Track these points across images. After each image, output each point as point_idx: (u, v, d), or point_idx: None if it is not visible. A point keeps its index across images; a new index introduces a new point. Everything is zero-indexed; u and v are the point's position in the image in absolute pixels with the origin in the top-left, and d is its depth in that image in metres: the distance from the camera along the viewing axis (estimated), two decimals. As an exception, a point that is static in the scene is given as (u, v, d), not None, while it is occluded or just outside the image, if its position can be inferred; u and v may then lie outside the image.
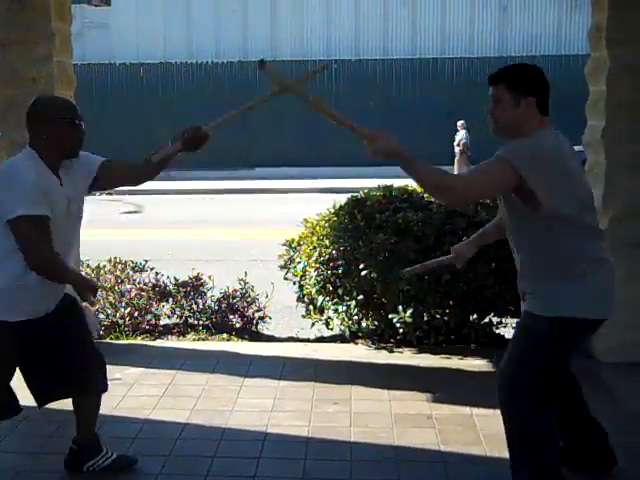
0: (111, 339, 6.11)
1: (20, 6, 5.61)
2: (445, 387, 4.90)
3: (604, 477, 3.68)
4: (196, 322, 6.48)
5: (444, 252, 5.36)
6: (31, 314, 3.42)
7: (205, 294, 6.56)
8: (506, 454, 3.36)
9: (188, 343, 6.11)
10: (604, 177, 5.32)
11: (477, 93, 25.45)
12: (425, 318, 5.57)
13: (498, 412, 3.35)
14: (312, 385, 5.00)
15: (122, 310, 6.37)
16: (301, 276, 6.08)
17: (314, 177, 22.31)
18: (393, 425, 4.36)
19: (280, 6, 27.43)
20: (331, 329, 6.10)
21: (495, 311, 5.65)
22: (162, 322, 6.51)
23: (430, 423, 4.39)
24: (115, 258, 6.69)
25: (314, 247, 5.92)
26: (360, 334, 5.95)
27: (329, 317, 5.99)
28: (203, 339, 6.21)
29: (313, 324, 6.12)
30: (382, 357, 5.58)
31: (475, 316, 5.66)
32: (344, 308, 5.80)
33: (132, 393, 4.90)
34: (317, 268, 5.83)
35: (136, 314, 6.37)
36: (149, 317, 6.42)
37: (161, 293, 6.51)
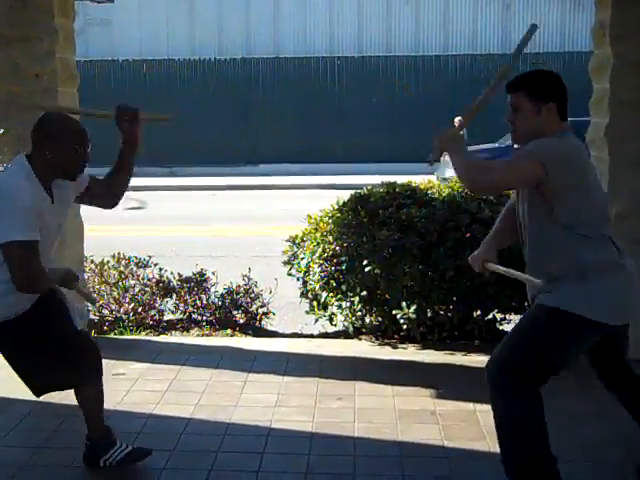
0: (115, 334, 6.12)
1: (23, 3, 5.61)
2: (449, 383, 4.91)
3: None
4: (200, 318, 6.49)
5: (447, 248, 5.38)
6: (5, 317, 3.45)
7: (209, 290, 6.57)
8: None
9: (192, 339, 6.12)
10: (608, 174, 5.31)
11: (480, 90, 25.42)
12: (429, 314, 5.57)
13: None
14: (316, 381, 5.01)
15: (126, 306, 6.38)
16: (305, 272, 6.08)
17: (317, 173, 22.28)
18: (397, 421, 4.37)
19: (283, 3, 27.40)
20: (335, 325, 6.10)
21: (498, 307, 5.65)
22: (166, 318, 6.52)
23: (434, 419, 4.40)
24: (119, 254, 6.70)
25: (318, 243, 5.92)
26: (364, 330, 5.95)
27: (333, 313, 6.00)
28: (207, 335, 6.22)
29: (317, 320, 6.12)
30: (386, 353, 5.58)
31: (479, 312, 5.66)
32: (348, 304, 5.81)
33: (136, 388, 4.91)
34: (321, 264, 5.83)
35: (140, 310, 6.38)
36: (153, 313, 6.43)
37: (165, 289, 6.52)
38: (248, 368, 5.25)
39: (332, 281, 5.81)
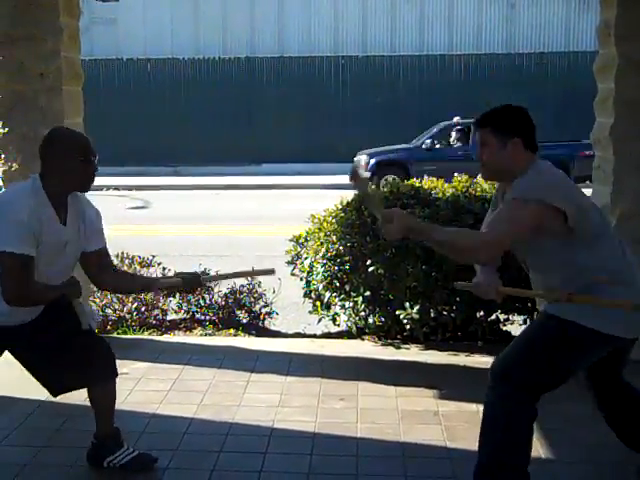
0: (118, 334, 6.12)
1: (28, 2, 5.62)
2: (452, 384, 4.90)
3: None
4: (203, 317, 6.49)
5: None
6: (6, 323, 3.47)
7: (212, 289, 6.56)
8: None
9: (195, 338, 6.12)
10: (612, 174, 5.31)
11: (484, 90, 25.52)
12: (432, 315, 5.56)
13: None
14: (319, 381, 5.01)
15: (129, 305, 6.38)
16: (308, 272, 6.08)
17: (321, 173, 22.29)
18: (399, 421, 4.37)
19: (287, 2, 27.41)
20: (338, 325, 6.10)
21: (502, 308, 5.63)
22: (169, 317, 6.52)
23: (436, 420, 4.39)
24: (122, 253, 6.69)
25: (321, 243, 5.92)
26: (367, 330, 5.95)
27: (336, 313, 6.00)
28: (210, 334, 6.22)
29: (320, 320, 6.12)
30: (389, 353, 5.58)
31: (482, 313, 5.65)
32: (351, 304, 5.80)
33: (139, 388, 4.91)
34: (324, 264, 5.83)
35: (143, 309, 6.38)
36: (156, 312, 6.43)
37: (168, 288, 6.51)
38: (251, 368, 5.25)
39: (335, 281, 5.81)
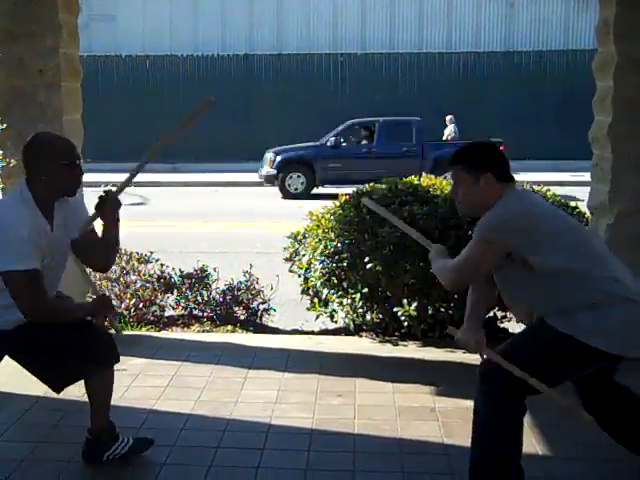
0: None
1: (27, -2, 5.62)
2: (449, 380, 4.91)
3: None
4: (201, 314, 6.49)
5: (449, 246, 5.35)
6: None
7: (210, 286, 6.57)
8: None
9: (193, 334, 6.12)
10: (610, 173, 5.31)
11: (483, 88, 25.54)
12: (430, 312, 5.57)
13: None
14: (316, 377, 5.02)
15: (127, 301, 6.38)
16: (306, 269, 6.09)
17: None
18: (397, 417, 4.37)
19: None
20: (336, 322, 6.11)
21: (499, 305, 5.63)
22: (167, 313, 6.52)
23: (434, 416, 4.40)
24: (120, 249, 6.70)
25: (319, 240, 5.92)
26: (365, 327, 5.96)
27: (334, 310, 6.00)
28: (208, 331, 6.22)
29: (318, 317, 6.12)
30: (386, 350, 5.59)
31: (479, 310, 5.65)
32: (349, 301, 5.81)
33: (137, 384, 4.91)
34: (322, 261, 5.84)
35: (141, 305, 6.39)
36: (154, 308, 6.44)
37: (166, 285, 6.52)
38: (248, 364, 5.26)
39: (333, 278, 5.82)
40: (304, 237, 6.24)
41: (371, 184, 6.05)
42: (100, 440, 3.78)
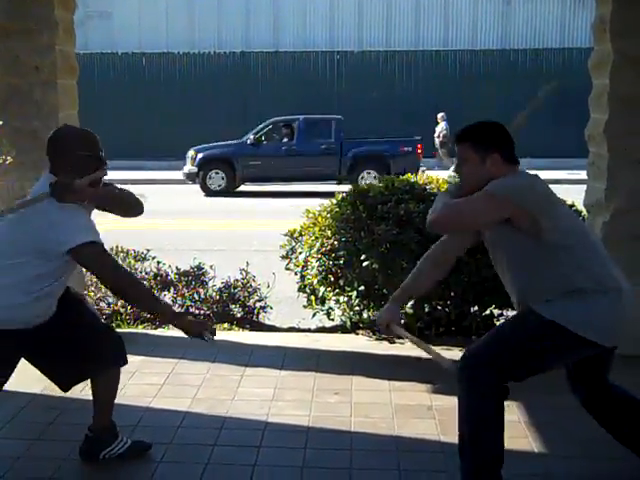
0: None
1: (23, -6, 5.61)
2: (445, 378, 4.88)
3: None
4: (197, 311, 6.48)
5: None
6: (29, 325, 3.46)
7: (206, 284, 6.56)
8: (505, 445, 3.36)
9: (189, 332, 6.10)
10: (606, 171, 5.31)
11: (479, 86, 25.53)
12: (426, 309, 5.57)
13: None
14: (313, 375, 5.02)
15: (124, 299, 6.38)
16: (303, 266, 6.08)
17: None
18: (393, 415, 4.38)
19: (283, -3, 27.40)
20: (332, 320, 6.11)
21: (496, 303, 5.65)
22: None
23: (430, 414, 4.40)
24: (117, 247, 6.69)
25: (316, 238, 5.92)
26: (361, 325, 5.96)
27: (330, 308, 6.00)
28: (204, 329, 6.21)
29: (314, 314, 6.12)
30: (383, 348, 5.59)
31: (476, 308, 5.67)
32: (345, 299, 5.81)
33: (133, 381, 4.91)
34: (319, 258, 5.83)
35: (137, 303, 6.37)
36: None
37: (163, 282, 6.51)
38: (245, 362, 5.25)
39: (330, 276, 5.82)
40: (301, 235, 6.23)
41: (368, 182, 6.04)
42: (100, 438, 3.79)
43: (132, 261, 6.64)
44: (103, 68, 26.51)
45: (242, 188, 18.51)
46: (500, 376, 3.19)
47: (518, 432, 4.11)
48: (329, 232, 5.81)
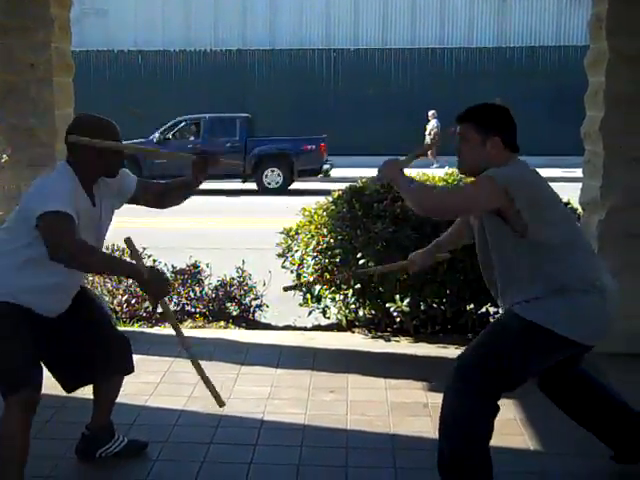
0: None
1: (19, -8, 5.60)
2: (441, 376, 4.84)
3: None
4: (193, 310, 6.49)
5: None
6: (50, 312, 3.42)
7: (202, 282, 6.56)
8: (501, 442, 3.37)
9: (185, 330, 6.06)
10: (602, 168, 5.32)
11: (475, 83, 25.53)
12: (422, 307, 5.58)
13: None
14: (309, 373, 5.02)
15: (120, 297, 6.37)
16: (299, 265, 6.08)
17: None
18: (389, 413, 4.38)
19: (279, -5, 27.37)
20: (328, 318, 6.11)
21: (492, 301, 5.65)
22: (159, 309, 6.50)
23: (426, 412, 4.41)
24: (113, 245, 6.68)
25: (312, 236, 5.92)
26: (357, 323, 5.96)
27: (326, 306, 6.01)
28: (200, 327, 6.22)
29: (310, 313, 6.13)
30: (379, 346, 5.59)
31: (472, 306, 5.67)
32: (341, 297, 5.81)
33: (129, 380, 4.83)
34: (315, 257, 5.84)
35: (134, 301, 6.38)
36: (146, 304, 6.42)
37: (159, 280, 6.50)
38: (241, 360, 5.25)
39: (326, 274, 5.82)
40: (297, 233, 6.23)
41: (363, 180, 6.04)
42: (97, 437, 3.78)
43: (128, 259, 6.63)
44: (99, 66, 26.49)
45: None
46: (492, 391, 3.15)
47: (514, 430, 4.12)
48: (325, 230, 5.81)
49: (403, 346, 5.58)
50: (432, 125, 22.47)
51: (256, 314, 6.53)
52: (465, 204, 3.20)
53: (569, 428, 4.04)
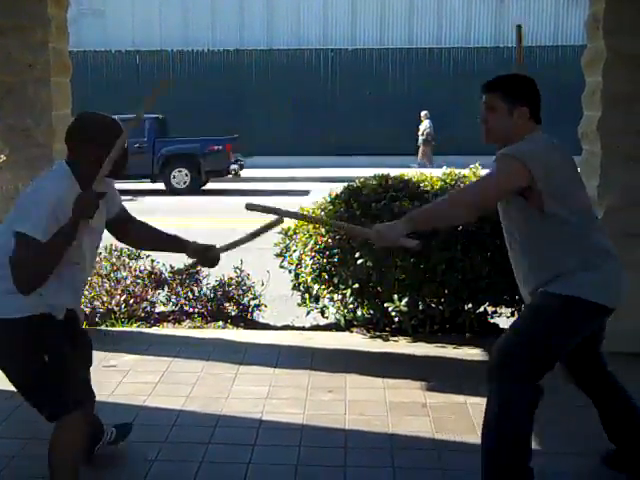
0: (107, 326, 6.11)
1: (16, -8, 5.60)
2: (440, 376, 4.92)
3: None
4: (192, 310, 6.48)
5: (439, 241, 5.37)
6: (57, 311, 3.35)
7: (201, 282, 6.56)
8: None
9: (183, 331, 6.12)
10: (599, 168, 5.32)
11: (473, 83, 25.48)
12: (420, 307, 5.57)
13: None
14: (307, 373, 5.02)
15: (118, 297, 6.36)
16: (297, 264, 6.08)
17: (310, 166, 22.29)
18: (388, 413, 4.38)
19: (277, -5, 27.35)
20: (326, 317, 6.11)
21: (490, 301, 5.66)
22: (158, 309, 6.51)
23: (424, 411, 4.41)
24: (111, 245, 6.67)
25: (310, 235, 5.92)
26: (355, 323, 5.96)
27: (325, 305, 6.01)
28: (198, 327, 6.22)
29: (309, 312, 6.13)
30: (377, 346, 5.59)
31: (470, 305, 5.67)
32: (339, 297, 5.81)
33: (128, 380, 4.91)
34: (313, 256, 5.83)
35: (132, 301, 6.37)
36: (145, 304, 6.42)
37: (157, 280, 6.51)
38: (239, 360, 5.26)
39: (324, 274, 5.82)
40: (295, 233, 6.23)
41: (361, 179, 6.04)
42: (91, 435, 3.77)
43: (126, 259, 6.63)
44: (96, 66, 26.44)
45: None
46: (532, 377, 3.17)
47: (512, 429, 4.12)
48: (323, 230, 5.81)
49: (401, 346, 5.58)
50: (425, 126, 22.48)
51: (254, 314, 6.53)
52: (498, 186, 3.15)
53: (569, 428, 4.07)
